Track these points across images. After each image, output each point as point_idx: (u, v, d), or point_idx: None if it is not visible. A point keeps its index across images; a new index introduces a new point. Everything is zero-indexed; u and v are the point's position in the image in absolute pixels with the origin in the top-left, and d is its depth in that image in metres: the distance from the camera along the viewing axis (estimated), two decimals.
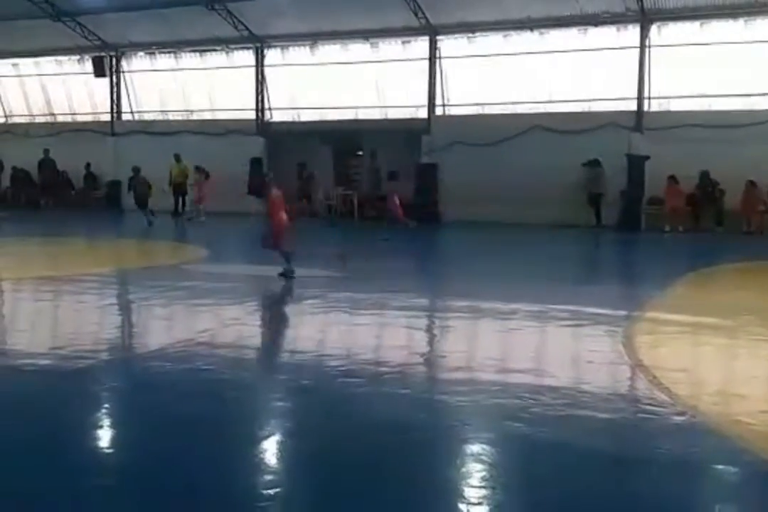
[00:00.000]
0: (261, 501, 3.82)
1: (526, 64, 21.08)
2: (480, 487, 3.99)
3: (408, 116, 22.58)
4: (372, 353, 6.98)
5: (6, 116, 27.82)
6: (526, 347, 7.31)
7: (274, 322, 8.69)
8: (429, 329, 8.25)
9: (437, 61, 22.14)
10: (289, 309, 9.08)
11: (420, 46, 22.34)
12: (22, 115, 27.71)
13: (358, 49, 22.93)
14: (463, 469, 4.31)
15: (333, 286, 10.36)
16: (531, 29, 20.95)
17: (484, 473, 4.18)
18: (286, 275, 10.47)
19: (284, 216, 10.62)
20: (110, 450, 4.65)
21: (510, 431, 4.78)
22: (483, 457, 4.41)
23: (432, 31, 21.80)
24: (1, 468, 4.18)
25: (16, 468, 4.16)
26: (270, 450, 4.60)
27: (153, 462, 4.30)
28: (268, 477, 4.17)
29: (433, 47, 22.04)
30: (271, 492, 3.92)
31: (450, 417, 5.13)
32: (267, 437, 4.81)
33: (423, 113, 22.38)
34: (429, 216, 21.12)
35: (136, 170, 20.16)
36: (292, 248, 10.81)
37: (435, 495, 3.95)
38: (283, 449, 4.62)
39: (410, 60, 22.39)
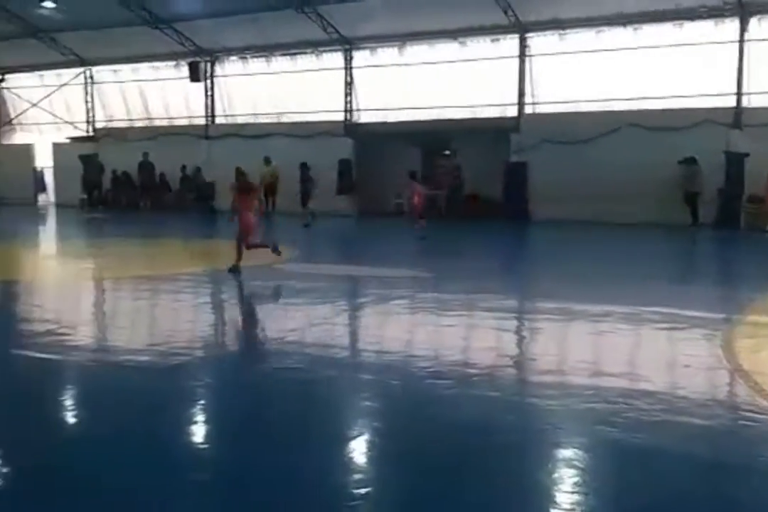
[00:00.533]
0: (349, 501, 3.84)
1: (619, 61, 20.60)
2: (571, 492, 3.92)
3: (497, 115, 22.38)
4: (460, 354, 6.93)
5: (107, 121, 28.88)
6: (620, 350, 7.13)
7: (362, 322, 8.74)
8: (518, 331, 8.15)
9: (527, 58, 21.88)
10: (377, 310, 9.11)
11: (509, 44, 22.11)
12: (121, 120, 28.72)
13: (447, 49, 22.87)
14: (554, 474, 4.23)
15: (420, 287, 10.36)
16: (624, 25, 20.47)
17: (575, 478, 4.09)
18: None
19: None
20: (204, 446, 4.76)
21: (602, 436, 4.68)
22: (574, 462, 4.32)
23: (522, 29, 21.56)
24: (104, 461, 4.33)
25: (117, 462, 4.31)
26: (358, 449, 4.62)
27: (244, 459, 4.38)
28: (357, 477, 4.19)
29: (522, 45, 21.80)
30: (360, 491, 3.94)
31: (540, 420, 5.05)
32: (355, 437, 4.84)
33: (512, 112, 22.16)
34: (518, 214, 20.91)
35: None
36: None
37: (525, 499, 3.89)
38: (371, 449, 4.64)
39: (499, 58, 22.19)
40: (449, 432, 4.80)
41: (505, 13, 20.76)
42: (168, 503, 3.83)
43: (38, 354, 6.73)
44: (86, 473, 4.17)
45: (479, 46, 22.59)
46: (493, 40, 22.42)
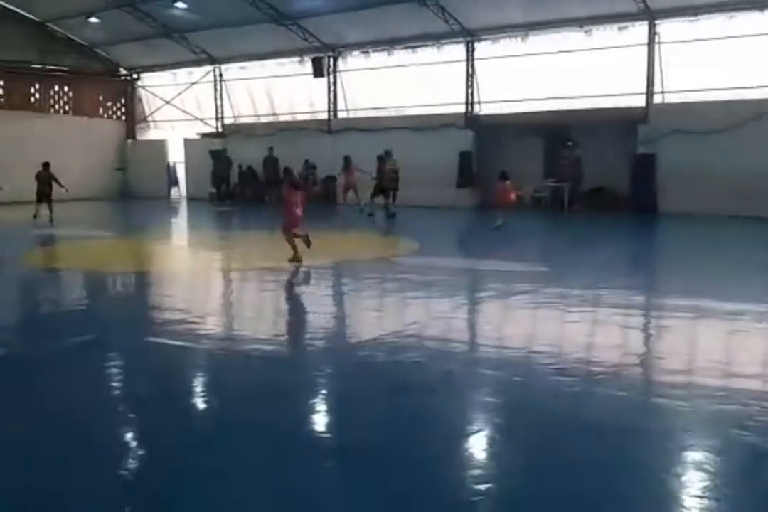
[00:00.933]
0: (471, 496, 3.84)
1: (755, 46, 19.53)
2: (701, 497, 3.78)
3: (623, 105, 21.69)
4: (585, 352, 6.78)
5: (234, 117, 29.82)
6: (755, 351, 6.79)
7: (483, 317, 8.68)
8: (645, 328, 7.88)
9: (656, 46, 21.08)
10: (499, 304, 9.03)
11: (637, 31, 21.37)
12: (248, 116, 29.58)
13: (571, 38, 22.34)
14: (683, 477, 4.09)
15: (543, 281, 10.19)
16: (761, 9, 19.40)
17: (705, 482, 3.94)
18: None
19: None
20: (327, 435, 4.86)
21: (734, 439, 4.48)
22: (704, 466, 4.16)
23: (650, 16, 20.78)
24: (232, 447, 4.49)
25: (242, 448, 4.46)
26: (480, 445, 4.61)
27: (366, 450, 4.45)
28: (477, 472, 4.18)
29: (651, 32, 21.01)
30: (481, 487, 3.93)
31: (668, 421, 4.89)
32: (476, 432, 4.82)
33: (639, 101, 21.42)
34: (645, 208, 20.22)
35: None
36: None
37: (651, 502, 3.78)
38: (492, 445, 4.61)
39: (627, 46, 21.48)
40: (572, 430, 4.72)
41: (634, 0, 20.08)
42: (292, 486, 3.93)
43: (172, 342, 7.04)
44: (222, 455, 4.33)
45: (605, 34, 21.94)
46: (620, 29, 21.73)
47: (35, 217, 19.53)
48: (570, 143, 21.92)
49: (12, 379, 6.02)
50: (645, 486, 3.95)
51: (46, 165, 19.87)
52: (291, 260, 11.51)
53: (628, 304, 8.76)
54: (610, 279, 10.40)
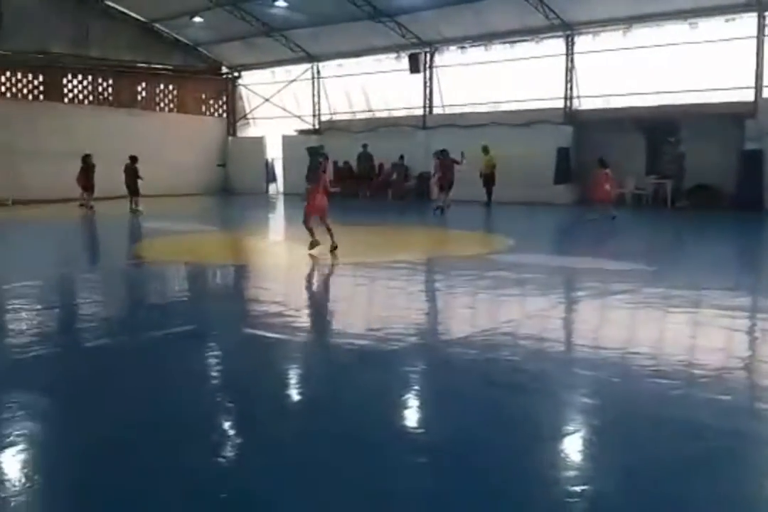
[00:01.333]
0: (567, 497, 3.76)
1: None
2: None
3: (730, 100, 20.88)
4: (687, 354, 6.55)
5: (331, 114, 30.17)
6: None
7: (580, 316, 8.51)
8: (752, 331, 7.56)
9: (765, 38, 20.20)
10: (598, 304, 8.82)
11: (746, 23, 20.52)
12: (344, 112, 29.88)
13: (675, 30, 21.64)
14: None
15: (643, 281, 9.90)
16: None
17: None
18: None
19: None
20: (418, 432, 4.85)
21: None
22: None
23: (762, 6, 19.93)
24: (321, 441, 4.54)
25: (332, 442, 4.50)
26: (575, 446, 4.51)
27: (456, 446, 4.41)
28: (573, 474, 4.09)
29: (761, 23, 20.14)
30: (576, 488, 3.85)
31: None
32: (571, 433, 4.73)
33: (747, 96, 20.58)
34: (751, 205, 19.43)
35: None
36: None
37: (752, 507, 3.63)
38: (588, 446, 4.51)
39: (735, 39, 20.66)
40: (671, 434, 4.57)
41: None
42: (382, 484, 3.93)
43: (268, 334, 7.17)
44: (312, 448, 4.39)
45: (711, 26, 21.16)
46: (727, 20, 20.91)
47: (133, 211, 20.78)
48: (673, 139, 21.24)
49: (115, 367, 6.24)
50: (745, 491, 3.79)
51: (133, 158, 21.09)
52: (330, 250, 12.11)
53: (733, 306, 8.41)
54: (714, 279, 10.02)
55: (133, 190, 21.21)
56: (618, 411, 5.02)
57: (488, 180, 22.84)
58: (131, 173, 21.05)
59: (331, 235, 12.19)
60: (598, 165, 17.40)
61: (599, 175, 17.03)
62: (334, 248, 12.14)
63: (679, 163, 21.07)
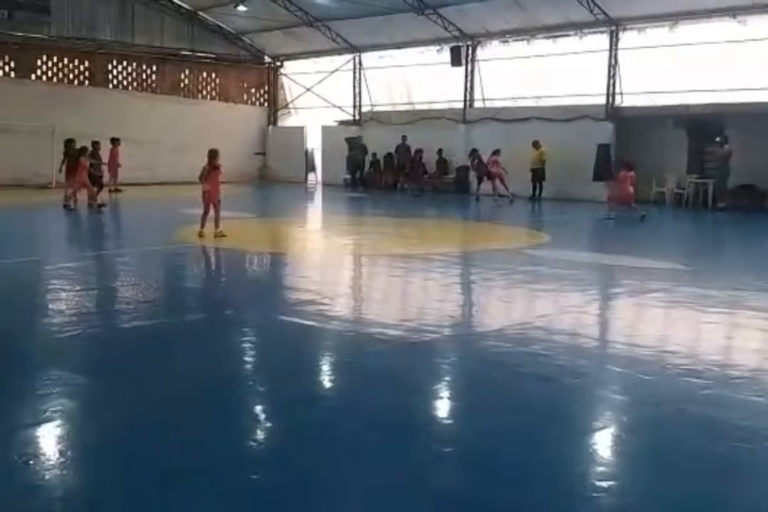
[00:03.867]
0: (594, 492, 3.78)
1: None
2: None
3: None
4: (720, 354, 6.51)
5: (371, 105, 30.18)
6: None
7: (613, 313, 8.48)
8: None
9: None
10: (631, 301, 8.78)
11: None
12: (384, 104, 29.86)
13: (724, 27, 21.26)
14: None
15: (680, 280, 9.82)
16: None
17: None
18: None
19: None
20: (448, 422, 4.90)
21: None
22: None
23: None
24: (349, 430, 4.60)
25: (360, 431, 4.56)
26: (604, 441, 4.53)
27: (484, 438, 4.45)
28: (600, 469, 4.11)
29: None
30: (604, 484, 3.87)
31: None
32: (601, 428, 4.74)
33: None
34: None
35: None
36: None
37: None
38: (617, 442, 4.52)
39: None
40: (703, 434, 4.56)
41: None
42: (410, 475, 3.99)
43: (302, 321, 7.26)
44: (340, 437, 4.46)
45: (760, 23, 20.75)
46: None
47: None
48: (718, 139, 20.89)
49: (152, 348, 6.38)
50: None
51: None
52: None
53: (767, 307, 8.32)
54: (753, 280, 9.90)
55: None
56: (648, 409, 5.02)
57: (537, 175, 22.89)
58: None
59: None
60: (624, 167, 17.44)
61: (625, 176, 17.04)
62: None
63: (725, 161, 20.71)
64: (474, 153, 23.41)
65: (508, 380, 5.63)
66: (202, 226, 13.03)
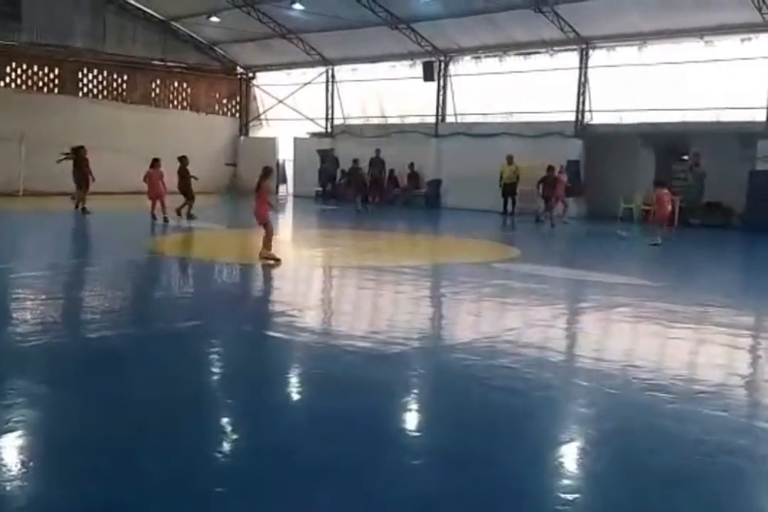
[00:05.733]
0: (558, 505, 3.79)
1: None
2: None
3: (743, 119, 20.87)
4: (685, 369, 6.59)
5: (344, 118, 30.24)
6: None
7: (581, 327, 8.54)
8: (753, 349, 7.58)
9: None
10: (598, 316, 8.86)
11: (762, 43, 20.54)
12: (357, 117, 29.93)
13: (691, 49, 21.67)
14: None
15: (647, 296, 9.93)
16: None
17: None
18: None
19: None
20: (415, 433, 4.90)
21: None
22: None
23: None
24: (317, 441, 4.58)
25: (328, 441, 4.55)
26: (569, 455, 4.55)
27: (450, 450, 4.45)
28: (566, 482, 4.13)
29: None
30: (569, 497, 3.88)
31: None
32: (567, 441, 4.77)
33: (760, 116, 20.58)
34: (761, 226, 19.37)
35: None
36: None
37: None
38: (582, 455, 4.55)
39: (749, 58, 20.67)
40: (668, 447, 4.60)
41: (759, 10, 19.30)
42: (377, 484, 3.98)
43: (271, 333, 7.24)
44: (307, 448, 4.43)
45: (726, 45, 21.18)
46: (743, 40, 20.93)
47: (190, 217, 18.33)
48: (686, 157, 21.18)
49: (119, 359, 6.31)
50: (741, 508, 3.82)
51: (182, 159, 18.52)
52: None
53: (734, 324, 8.41)
54: (716, 296, 10.03)
55: (189, 195, 18.32)
56: (613, 422, 5.06)
57: (509, 190, 22.91)
58: (185, 175, 18.31)
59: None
60: (656, 186, 16.78)
61: (660, 195, 16.10)
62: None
63: (700, 181, 20.96)
64: (552, 171, 20.83)
65: (475, 392, 5.64)
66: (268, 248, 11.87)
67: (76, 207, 18.76)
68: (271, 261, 11.53)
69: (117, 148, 25.48)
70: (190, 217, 18.15)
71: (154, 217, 17.56)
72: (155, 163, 17.71)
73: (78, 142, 20.75)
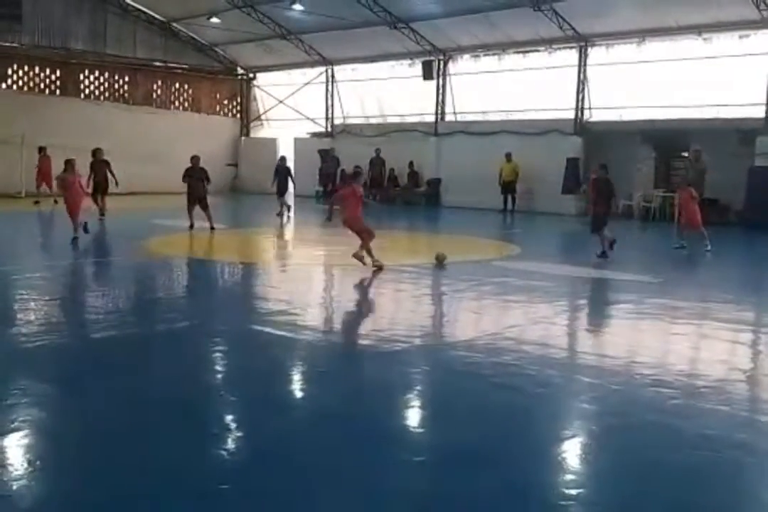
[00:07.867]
0: (562, 500, 3.82)
1: None
2: None
3: (742, 116, 20.88)
4: (688, 365, 6.61)
5: (344, 117, 30.25)
6: None
7: (583, 324, 8.57)
8: (754, 345, 7.61)
9: None
10: (601, 312, 8.89)
11: (760, 39, 20.54)
12: (357, 117, 29.94)
13: (689, 45, 21.67)
14: None
15: (649, 292, 9.95)
16: None
17: None
18: None
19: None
20: (418, 431, 4.92)
21: None
22: None
23: None
24: (321, 439, 4.61)
25: (331, 439, 4.58)
26: (573, 450, 4.58)
27: (453, 447, 4.48)
28: (569, 477, 4.15)
29: None
30: (572, 492, 3.91)
31: None
32: (570, 437, 4.79)
33: (759, 112, 20.58)
34: (761, 223, 19.40)
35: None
36: None
37: None
38: (586, 451, 4.57)
39: (747, 55, 20.68)
40: (671, 443, 4.63)
41: (757, 7, 19.31)
42: (380, 482, 4.00)
43: (275, 331, 7.26)
44: (310, 445, 4.46)
45: (725, 42, 21.19)
46: (741, 37, 20.94)
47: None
48: (688, 154, 21.19)
49: (124, 357, 6.35)
50: (744, 503, 3.85)
51: (194, 159, 17.32)
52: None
53: (737, 319, 8.45)
54: (718, 293, 10.06)
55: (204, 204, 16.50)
56: (616, 418, 5.08)
57: (509, 187, 23.05)
58: (203, 177, 16.95)
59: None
60: (681, 184, 15.83)
61: (683, 194, 15.05)
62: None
63: (701, 176, 20.98)
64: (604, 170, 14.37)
65: (477, 389, 5.67)
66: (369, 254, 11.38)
67: (102, 214, 17.74)
68: (375, 268, 11.12)
69: (117, 149, 25.47)
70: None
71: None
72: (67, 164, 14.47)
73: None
